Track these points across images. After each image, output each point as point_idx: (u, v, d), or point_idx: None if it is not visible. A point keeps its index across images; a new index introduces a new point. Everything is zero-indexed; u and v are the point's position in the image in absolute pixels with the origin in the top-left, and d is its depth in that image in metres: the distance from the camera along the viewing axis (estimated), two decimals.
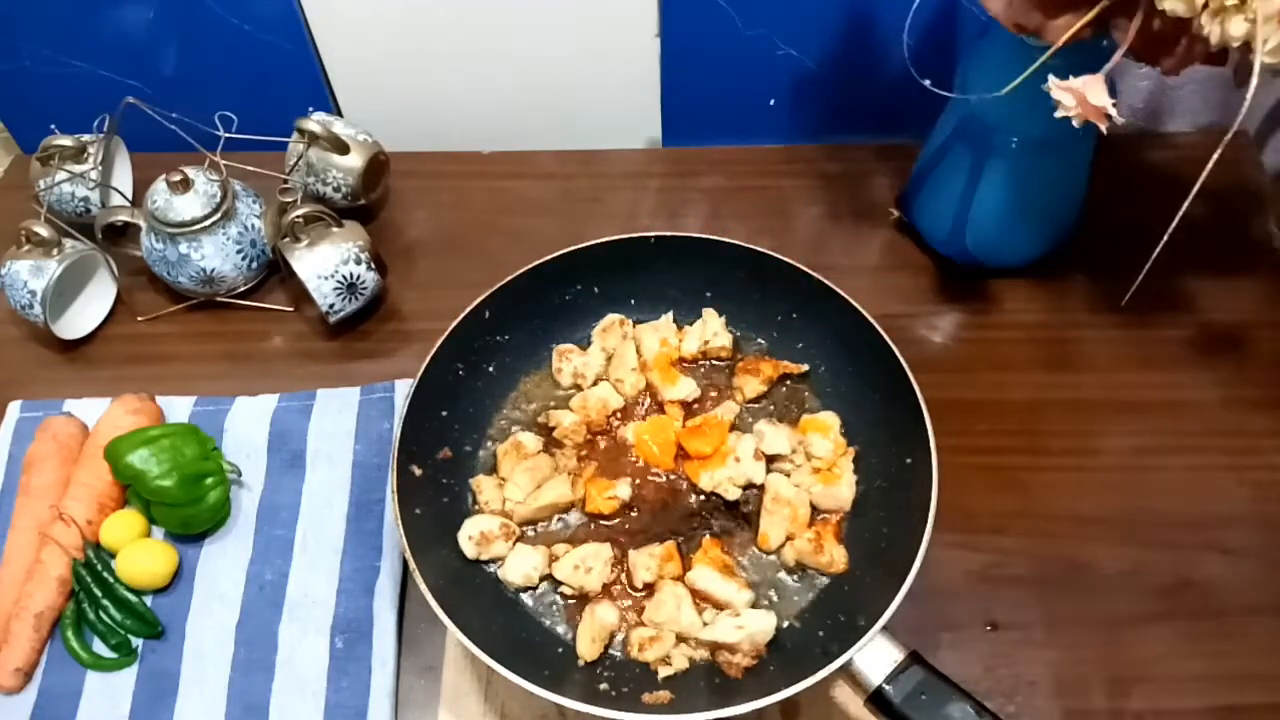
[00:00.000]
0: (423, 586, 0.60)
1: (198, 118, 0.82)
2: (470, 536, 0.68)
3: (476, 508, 0.71)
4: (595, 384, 0.76)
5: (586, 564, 0.67)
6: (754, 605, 0.66)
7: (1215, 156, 0.57)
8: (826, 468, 0.70)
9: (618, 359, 0.76)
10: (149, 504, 0.72)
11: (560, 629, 0.67)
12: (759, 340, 0.78)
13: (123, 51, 0.91)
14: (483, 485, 0.71)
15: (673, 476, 0.72)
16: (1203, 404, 0.79)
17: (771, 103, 0.94)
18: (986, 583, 0.71)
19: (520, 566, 0.67)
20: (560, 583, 0.67)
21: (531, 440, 0.73)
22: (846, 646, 0.57)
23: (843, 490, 0.70)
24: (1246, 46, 0.55)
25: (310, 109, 0.88)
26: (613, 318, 0.78)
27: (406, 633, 0.70)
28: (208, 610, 0.71)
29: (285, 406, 0.80)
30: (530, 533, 0.71)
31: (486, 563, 0.69)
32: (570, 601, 0.68)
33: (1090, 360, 0.82)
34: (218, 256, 0.83)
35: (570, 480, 0.71)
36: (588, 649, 0.64)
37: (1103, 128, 0.60)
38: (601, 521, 0.71)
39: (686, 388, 0.75)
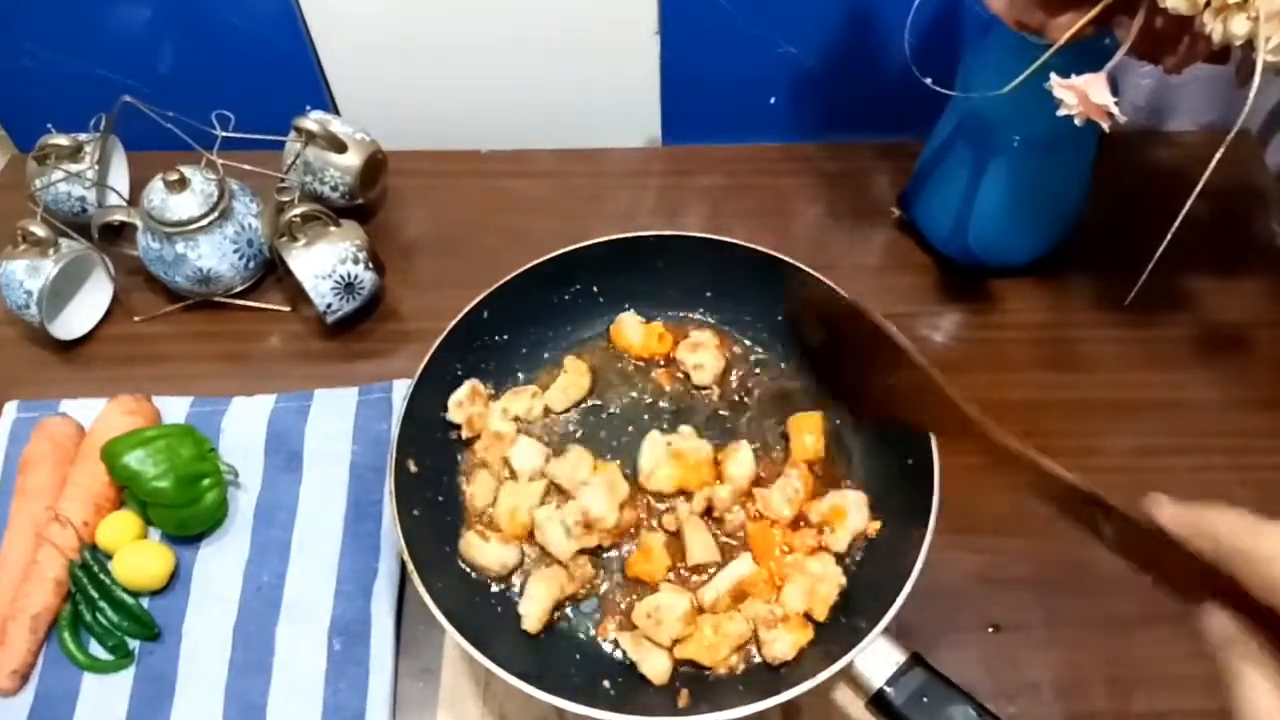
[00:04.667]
0: (421, 588, 0.60)
1: (194, 117, 0.81)
2: (459, 402, 0.70)
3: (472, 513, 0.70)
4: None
5: (658, 616, 0.62)
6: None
7: (1218, 155, 0.56)
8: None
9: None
10: (145, 505, 0.72)
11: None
12: (758, 339, 0.78)
13: (119, 50, 0.90)
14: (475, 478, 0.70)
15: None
16: (1205, 404, 0.79)
17: (772, 101, 0.94)
18: (988, 584, 0.70)
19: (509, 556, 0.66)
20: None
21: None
22: (847, 649, 0.57)
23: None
24: (1249, 45, 0.55)
25: (308, 108, 0.88)
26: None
27: (404, 635, 0.70)
28: (205, 612, 0.70)
29: (282, 407, 0.79)
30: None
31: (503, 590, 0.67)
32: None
33: (1092, 360, 0.81)
34: (214, 256, 0.83)
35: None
36: (535, 622, 0.63)
37: (1105, 126, 0.60)
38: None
39: None
